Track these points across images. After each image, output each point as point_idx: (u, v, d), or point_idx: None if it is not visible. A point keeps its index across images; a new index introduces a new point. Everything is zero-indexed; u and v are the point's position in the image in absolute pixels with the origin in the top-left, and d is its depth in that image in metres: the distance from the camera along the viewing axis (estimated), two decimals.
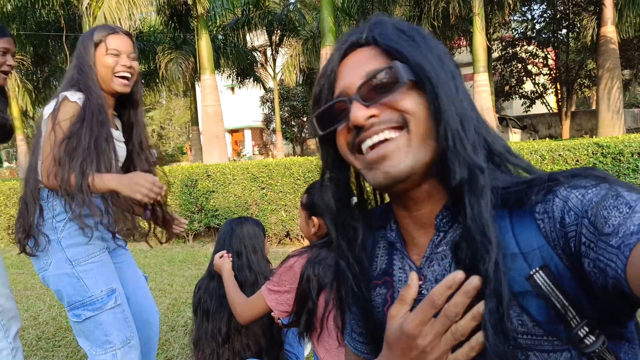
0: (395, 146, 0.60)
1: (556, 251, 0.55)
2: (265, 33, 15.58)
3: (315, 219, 1.52)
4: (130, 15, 9.13)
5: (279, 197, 5.61)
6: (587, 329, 0.54)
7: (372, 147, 0.62)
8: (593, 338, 0.54)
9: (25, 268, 5.31)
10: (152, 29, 15.61)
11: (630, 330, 0.57)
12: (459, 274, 0.56)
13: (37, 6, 11.84)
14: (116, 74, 1.60)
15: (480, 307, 0.55)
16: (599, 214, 0.50)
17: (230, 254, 1.84)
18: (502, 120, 15.86)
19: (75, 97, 1.54)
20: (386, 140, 0.61)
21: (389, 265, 0.72)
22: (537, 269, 0.55)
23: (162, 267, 4.99)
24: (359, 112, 0.61)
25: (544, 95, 18.12)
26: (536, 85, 17.94)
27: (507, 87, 18.18)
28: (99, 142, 1.52)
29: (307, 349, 2.25)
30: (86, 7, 9.51)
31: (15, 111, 14.79)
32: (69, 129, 1.50)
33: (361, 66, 0.63)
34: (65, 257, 1.57)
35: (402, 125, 0.60)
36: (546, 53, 17.00)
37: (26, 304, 3.92)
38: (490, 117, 10.28)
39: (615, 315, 0.54)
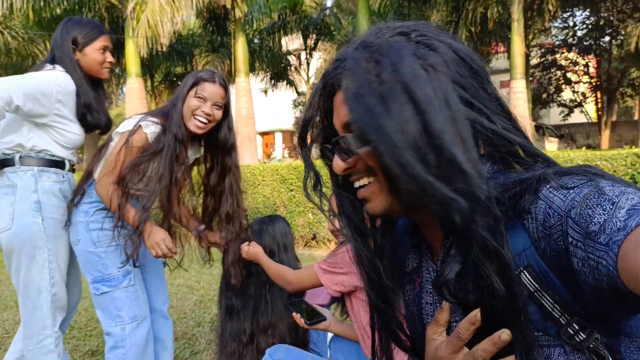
0: (371, 191, 0.65)
1: (538, 252, 0.56)
2: (301, 37, 15.73)
3: None
4: (171, 18, 9.42)
5: (306, 200, 5.65)
6: (577, 327, 0.55)
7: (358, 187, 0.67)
8: (584, 335, 0.54)
9: None
10: (190, 32, 16.02)
11: (630, 325, 0.56)
12: (478, 312, 0.59)
13: (83, 9, 12.35)
14: (195, 116, 1.74)
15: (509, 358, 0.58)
16: (584, 213, 0.50)
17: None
18: (539, 128, 15.45)
19: (149, 129, 1.71)
20: (364, 185, 0.66)
21: (419, 265, 0.76)
22: (522, 268, 0.57)
23: (190, 264, 5.12)
24: (338, 164, 0.66)
25: (584, 104, 17.53)
26: (575, 94, 17.39)
27: (544, 95, 17.69)
28: (163, 179, 1.70)
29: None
30: (130, 11, 9.86)
31: None
32: (137, 156, 1.68)
33: (338, 114, 0.66)
34: (91, 238, 1.77)
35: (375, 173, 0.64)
36: (587, 61, 16.45)
37: None
38: (527, 125, 10.01)
39: (607, 316, 0.54)
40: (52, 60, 1.87)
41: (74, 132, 1.86)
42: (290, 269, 1.73)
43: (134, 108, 11.10)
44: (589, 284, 0.50)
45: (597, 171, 0.56)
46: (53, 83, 1.75)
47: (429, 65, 0.57)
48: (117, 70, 16.26)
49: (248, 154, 10.91)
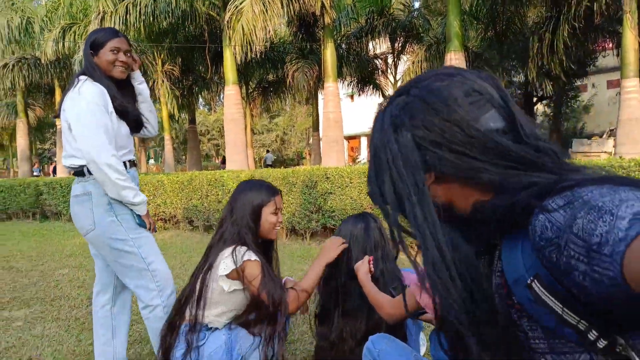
0: None
1: (541, 262, 0.58)
2: (388, 40, 15.68)
3: None
4: (264, 27, 9.92)
5: None
6: (596, 333, 0.55)
7: None
8: (605, 342, 0.55)
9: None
10: (281, 40, 16.71)
11: None
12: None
13: (186, 22, 13.46)
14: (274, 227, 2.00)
15: None
16: (586, 227, 0.51)
17: (372, 257, 1.85)
18: None
19: (253, 256, 1.86)
20: None
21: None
22: (532, 277, 0.60)
23: (282, 260, 5.33)
24: None
25: None
26: None
27: None
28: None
29: (423, 349, 2.26)
30: (227, 21, 10.55)
31: (164, 114, 16.93)
32: (262, 280, 1.86)
33: None
34: (232, 349, 1.86)
35: None
36: None
37: None
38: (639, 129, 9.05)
39: (629, 317, 0.53)
40: (82, 72, 2.04)
41: (124, 129, 2.06)
42: (388, 298, 1.66)
43: (231, 113, 11.86)
44: (595, 294, 0.51)
45: (600, 177, 0.58)
46: (93, 102, 1.92)
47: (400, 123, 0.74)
48: (215, 78, 17.45)
49: (335, 157, 11.11)
